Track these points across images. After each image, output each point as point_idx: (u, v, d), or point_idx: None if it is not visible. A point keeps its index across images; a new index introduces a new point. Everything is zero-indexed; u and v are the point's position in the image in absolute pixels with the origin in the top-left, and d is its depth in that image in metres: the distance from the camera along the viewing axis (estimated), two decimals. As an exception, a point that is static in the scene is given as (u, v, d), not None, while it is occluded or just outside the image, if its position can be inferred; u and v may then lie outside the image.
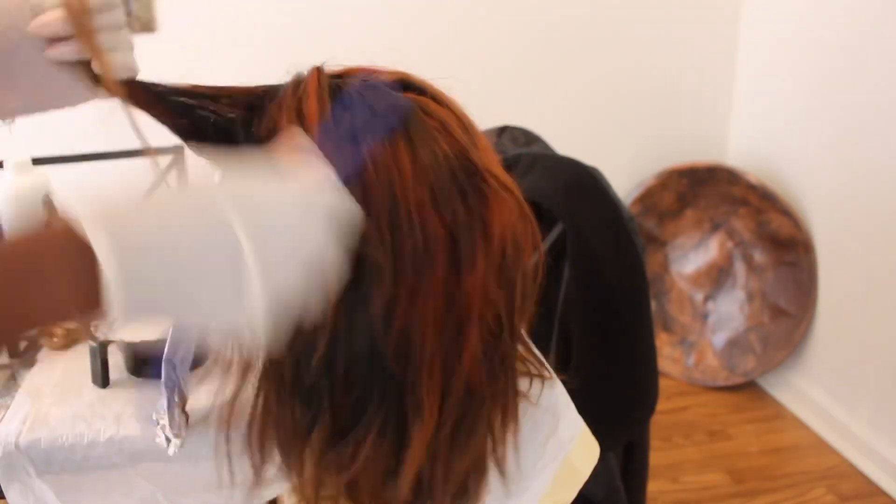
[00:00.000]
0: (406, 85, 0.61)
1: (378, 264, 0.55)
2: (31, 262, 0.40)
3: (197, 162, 0.59)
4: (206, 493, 0.72)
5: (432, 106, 0.59)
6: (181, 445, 0.67)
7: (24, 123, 0.59)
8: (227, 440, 0.63)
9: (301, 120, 0.56)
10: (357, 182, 0.54)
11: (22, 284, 0.39)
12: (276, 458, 0.64)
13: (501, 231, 0.59)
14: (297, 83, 0.59)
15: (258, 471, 0.64)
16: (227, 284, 0.44)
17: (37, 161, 1.03)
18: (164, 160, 1.56)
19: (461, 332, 0.58)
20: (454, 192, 0.56)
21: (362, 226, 0.54)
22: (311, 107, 0.56)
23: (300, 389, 0.59)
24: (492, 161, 0.61)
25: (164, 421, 0.67)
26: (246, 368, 0.61)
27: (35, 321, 0.42)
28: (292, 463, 0.63)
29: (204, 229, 0.43)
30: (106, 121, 0.59)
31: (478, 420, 0.63)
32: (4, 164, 1.02)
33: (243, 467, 0.65)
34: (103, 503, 0.71)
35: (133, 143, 0.59)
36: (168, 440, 0.68)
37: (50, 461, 0.70)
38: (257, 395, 0.62)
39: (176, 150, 1.20)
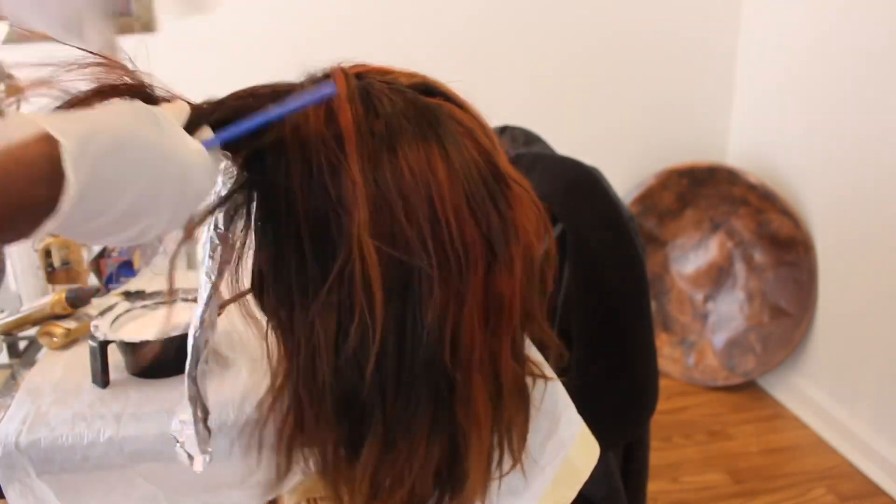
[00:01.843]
0: (429, 89, 0.60)
1: (424, 272, 0.55)
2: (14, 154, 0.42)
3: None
4: (206, 493, 0.72)
5: (458, 112, 0.59)
6: (210, 461, 0.67)
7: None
8: (260, 449, 0.64)
9: (333, 123, 0.55)
10: (397, 190, 0.54)
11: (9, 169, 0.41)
12: (308, 467, 0.65)
13: (526, 232, 0.60)
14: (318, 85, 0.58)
15: (282, 476, 0.65)
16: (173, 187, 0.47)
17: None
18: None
19: (502, 332, 0.60)
20: (486, 196, 0.57)
21: (404, 234, 0.54)
22: (345, 111, 0.55)
23: (347, 407, 0.59)
24: (508, 164, 0.62)
25: (185, 438, 0.66)
26: (282, 384, 0.61)
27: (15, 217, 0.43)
28: (334, 479, 0.63)
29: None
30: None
31: (523, 415, 0.65)
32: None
33: (265, 469, 0.65)
34: (103, 503, 0.71)
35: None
36: (191, 456, 0.67)
37: (50, 461, 0.70)
38: (289, 413, 0.62)
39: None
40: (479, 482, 0.62)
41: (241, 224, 0.59)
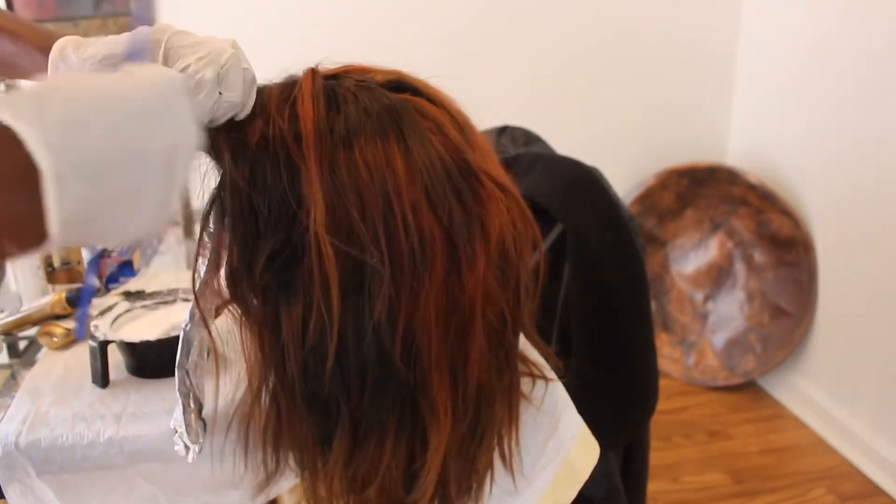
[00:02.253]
0: (401, 85, 0.60)
1: (376, 268, 0.54)
2: None
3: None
4: (206, 493, 0.72)
5: (427, 106, 0.59)
6: (199, 452, 0.67)
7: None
8: (246, 446, 0.64)
9: (295, 122, 0.55)
10: (352, 186, 0.54)
11: None
12: (291, 463, 0.65)
13: (499, 230, 0.59)
14: (289, 85, 0.58)
15: (271, 476, 0.65)
16: (161, 179, 0.42)
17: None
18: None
19: (466, 331, 0.59)
20: (449, 192, 0.56)
21: (359, 230, 0.54)
22: (306, 110, 0.56)
23: (315, 401, 0.59)
24: (489, 160, 0.61)
25: (182, 428, 0.67)
26: (259, 380, 0.61)
27: None
28: (311, 475, 0.63)
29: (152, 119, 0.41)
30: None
31: (492, 417, 0.64)
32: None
33: (254, 468, 0.65)
34: (103, 503, 0.71)
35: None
36: (187, 447, 0.67)
37: (50, 461, 0.70)
38: (269, 408, 0.62)
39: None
40: (434, 483, 0.61)
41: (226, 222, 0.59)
